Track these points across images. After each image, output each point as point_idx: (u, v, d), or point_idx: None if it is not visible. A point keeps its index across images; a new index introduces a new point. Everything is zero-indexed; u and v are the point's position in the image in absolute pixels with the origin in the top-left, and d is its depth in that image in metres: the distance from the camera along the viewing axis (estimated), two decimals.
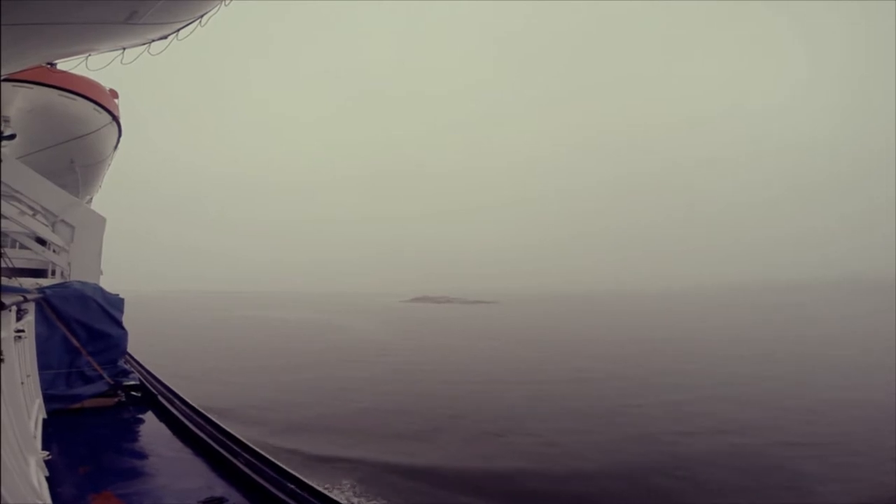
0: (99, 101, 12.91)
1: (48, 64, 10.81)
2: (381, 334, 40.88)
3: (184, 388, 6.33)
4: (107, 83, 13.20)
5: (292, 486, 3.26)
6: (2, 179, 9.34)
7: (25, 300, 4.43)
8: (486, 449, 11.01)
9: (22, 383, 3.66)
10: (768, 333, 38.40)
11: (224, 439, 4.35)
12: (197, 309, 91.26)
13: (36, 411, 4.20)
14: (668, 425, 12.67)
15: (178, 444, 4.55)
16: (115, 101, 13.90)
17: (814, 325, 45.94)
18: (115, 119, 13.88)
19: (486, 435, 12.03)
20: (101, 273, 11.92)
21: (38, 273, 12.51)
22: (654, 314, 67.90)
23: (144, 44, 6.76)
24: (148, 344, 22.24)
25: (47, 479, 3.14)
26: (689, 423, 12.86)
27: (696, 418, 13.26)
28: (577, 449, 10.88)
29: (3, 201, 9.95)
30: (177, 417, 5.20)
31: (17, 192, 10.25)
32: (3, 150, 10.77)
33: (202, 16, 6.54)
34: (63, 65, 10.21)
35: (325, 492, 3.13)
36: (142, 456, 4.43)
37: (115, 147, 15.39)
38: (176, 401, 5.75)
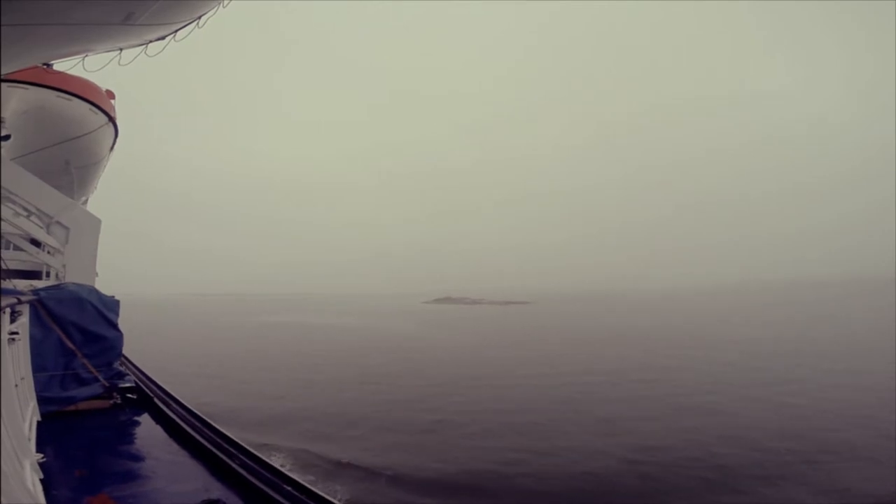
0: (95, 101, 12.84)
1: (44, 65, 10.75)
2: (467, 344, 35.44)
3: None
4: (106, 83, 13.13)
5: (289, 489, 3.25)
6: None
7: (20, 302, 4.40)
8: None
9: (16, 386, 3.63)
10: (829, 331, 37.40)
11: (220, 441, 4.33)
12: (227, 314, 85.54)
13: (30, 414, 4.17)
14: None
15: (174, 446, 4.52)
16: (112, 102, 13.84)
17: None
18: (112, 120, 13.82)
19: None
20: (96, 275, 11.85)
21: (33, 275, 12.41)
22: (708, 312, 66.42)
23: (142, 45, 6.75)
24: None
25: (42, 481, 3.11)
26: None
27: None
28: None
29: None
30: (173, 420, 5.17)
31: (11, 193, 10.18)
32: None
33: (200, 17, 6.53)
34: (60, 65, 10.16)
35: (322, 494, 3.11)
36: (137, 458, 4.40)
37: (112, 148, 15.31)
38: (172, 403, 5.72)
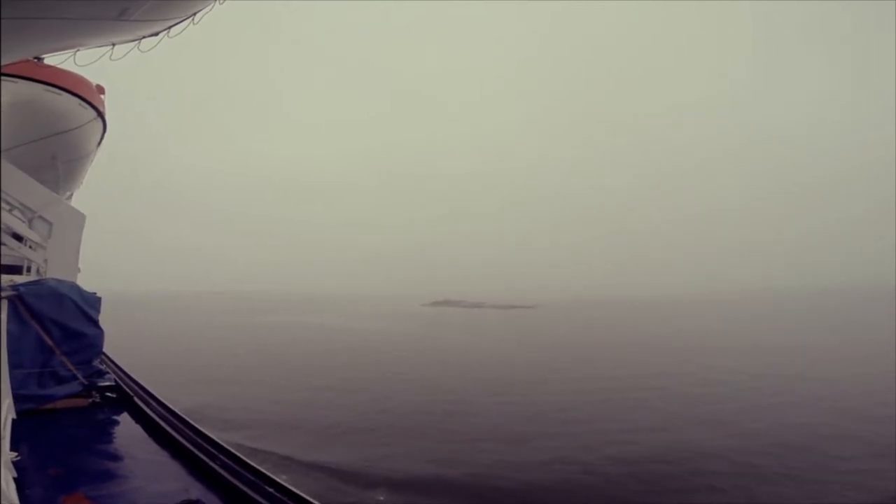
0: (84, 96, 12.70)
1: (35, 58, 10.64)
2: (497, 349, 34.52)
3: None
4: (97, 78, 12.97)
5: (270, 490, 3.23)
6: None
7: None
8: None
9: None
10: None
11: (201, 441, 4.28)
12: (230, 313, 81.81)
13: (5, 411, 4.08)
14: None
15: (153, 446, 4.46)
16: (102, 96, 13.69)
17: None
18: (101, 115, 13.66)
19: None
20: (78, 271, 11.64)
21: (13, 270, 12.16)
22: (729, 320, 64.67)
23: (135, 40, 6.73)
24: None
25: (15, 480, 3.06)
26: None
27: None
28: None
29: None
30: (153, 419, 5.10)
31: None
32: None
33: (195, 14, 6.53)
34: (50, 59, 10.06)
35: (303, 494, 3.11)
36: (116, 458, 4.33)
37: (99, 143, 15.13)
38: (152, 402, 5.64)
